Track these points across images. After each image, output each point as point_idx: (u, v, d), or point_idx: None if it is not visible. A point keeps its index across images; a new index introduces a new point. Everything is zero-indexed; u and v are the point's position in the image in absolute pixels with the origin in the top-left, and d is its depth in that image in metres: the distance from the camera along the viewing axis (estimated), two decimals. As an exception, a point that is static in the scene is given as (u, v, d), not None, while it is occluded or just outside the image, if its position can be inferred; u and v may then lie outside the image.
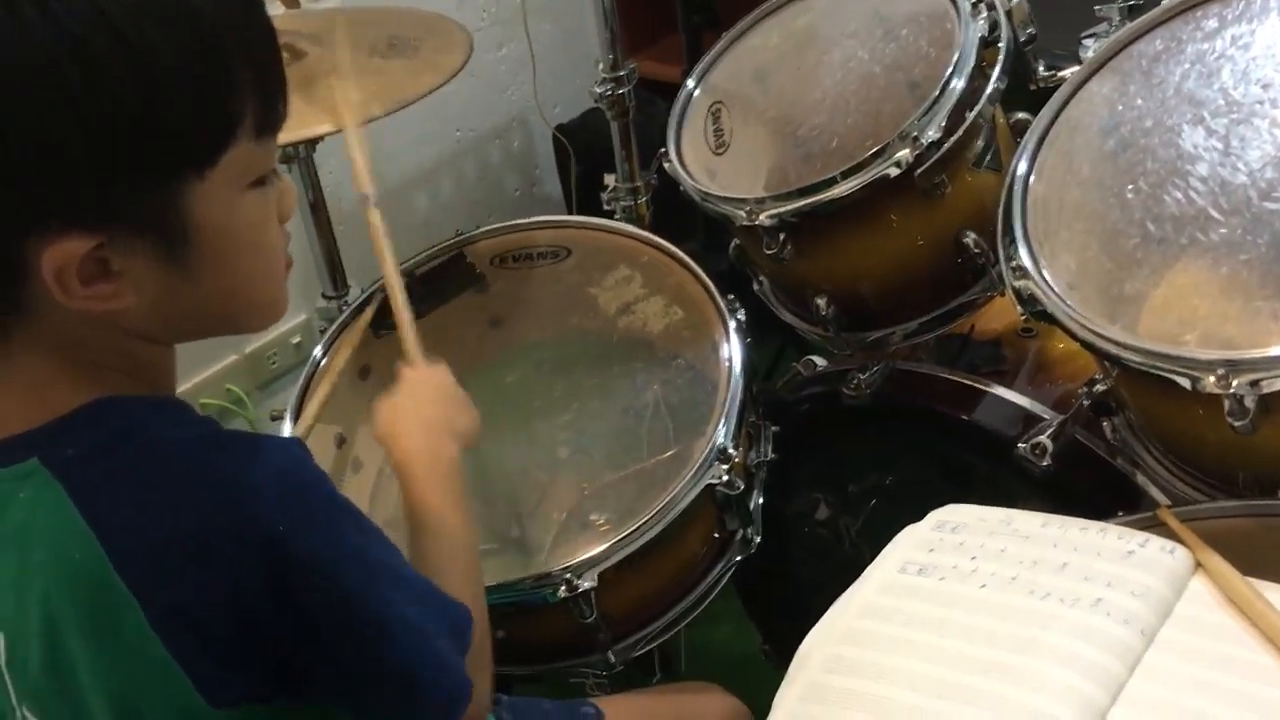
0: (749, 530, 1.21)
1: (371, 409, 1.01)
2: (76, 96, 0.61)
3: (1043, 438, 1.09)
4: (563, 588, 1.07)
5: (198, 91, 0.65)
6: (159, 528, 0.68)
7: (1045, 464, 1.08)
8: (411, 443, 0.96)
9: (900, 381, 1.29)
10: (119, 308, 0.68)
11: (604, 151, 1.70)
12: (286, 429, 1.21)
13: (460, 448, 0.99)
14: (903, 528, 0.90)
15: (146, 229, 0.66)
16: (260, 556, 0.68)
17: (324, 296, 1.66)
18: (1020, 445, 1.10)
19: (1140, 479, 1.08)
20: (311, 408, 1.12)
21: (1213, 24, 1.05)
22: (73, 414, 0.69)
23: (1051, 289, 0.97)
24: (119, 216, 0.65)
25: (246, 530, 0.68)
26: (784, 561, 1.47)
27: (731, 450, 1.13)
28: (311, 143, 1.45)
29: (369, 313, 1.30)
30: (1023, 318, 1.01)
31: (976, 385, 1.26)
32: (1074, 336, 0.94)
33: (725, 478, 1.12)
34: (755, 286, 1.41)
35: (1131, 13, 1.20)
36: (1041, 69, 1.24)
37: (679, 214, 1.40)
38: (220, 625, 0.69)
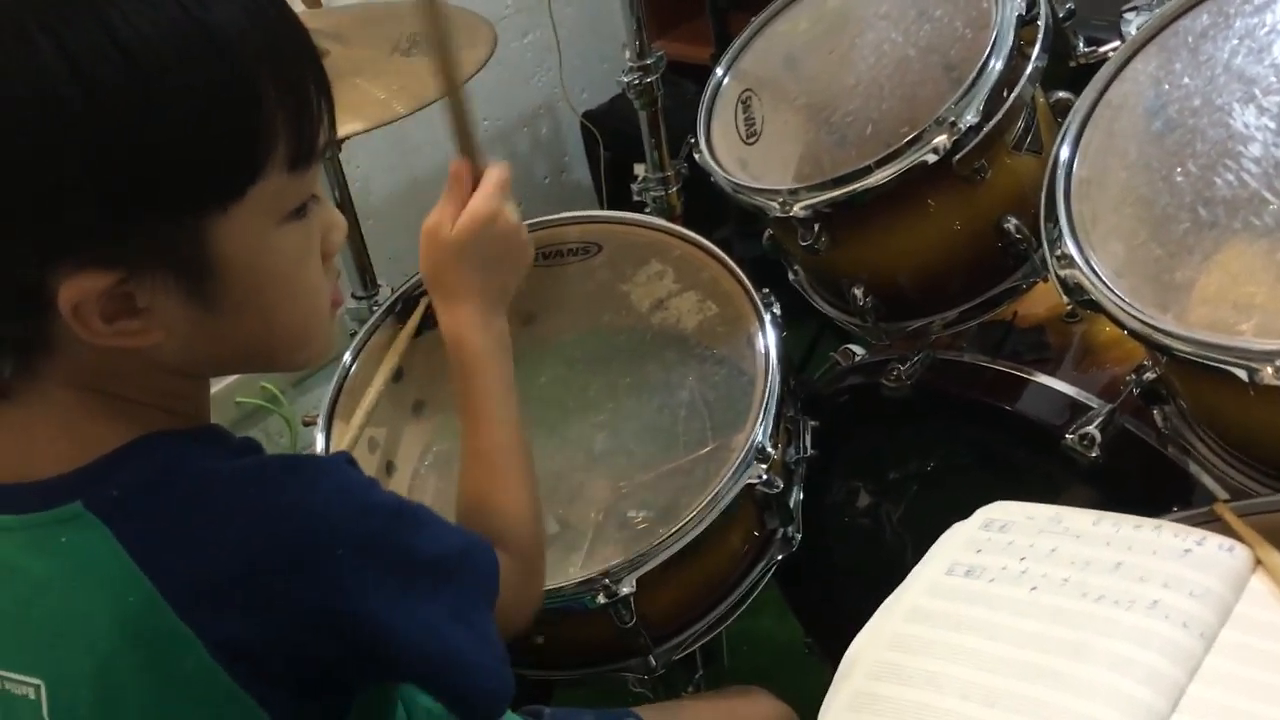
0: (789, 528, 1.19)
1: (425, 230, 0.94)
2: (86, 129, 0.59)
3: (1091, 428, 1.07)
4: (601, 594, 1.06)
5: (219, 124, 0.62)
6: (209, 563, 0.66)
7: (1094, 455, 1.06)
8: (466, 319, 0.92)
9: (941, 371, 1.26)
10: (147, 344, 0.66)
11: (632, 136, 1.67)
12: (319, 436, 1.20)
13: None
14: (946, 514, 0.88)
15: (168, 265, 0.64)
16: (312, 587, 0.67)
17: (354, 296, 1.65)
18: (1068, 436, 1.07)
19: (1193, 468, 1.05)
20: (358, 416, 1.11)
21: (1261, -3, 1.01)
22: (114, 454, 0.68)
23: (1099, 277, 0.93)
24: (137, 252, 0.63)
25: (296, 560, 0.67)
26: (824, 550, 1.45)
27: (770, 449, 1.11)
28: (338, 142, 1.43)
29: (413, 321, 1.27)
30: (1067, 305, 0.98)
31: (1020, 374, 1.23)
32: (1123, 326, 0.91)
33: (764, 476, 1.10)
34: (790, 276, 1.38)
35: (1174, -16, 1.16)
36: (1082, 45, 1.20)
37: (710, 201, 1.37)
38: (281, 653, 0.68)
